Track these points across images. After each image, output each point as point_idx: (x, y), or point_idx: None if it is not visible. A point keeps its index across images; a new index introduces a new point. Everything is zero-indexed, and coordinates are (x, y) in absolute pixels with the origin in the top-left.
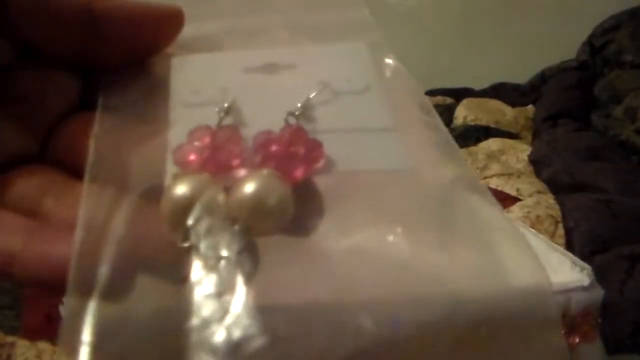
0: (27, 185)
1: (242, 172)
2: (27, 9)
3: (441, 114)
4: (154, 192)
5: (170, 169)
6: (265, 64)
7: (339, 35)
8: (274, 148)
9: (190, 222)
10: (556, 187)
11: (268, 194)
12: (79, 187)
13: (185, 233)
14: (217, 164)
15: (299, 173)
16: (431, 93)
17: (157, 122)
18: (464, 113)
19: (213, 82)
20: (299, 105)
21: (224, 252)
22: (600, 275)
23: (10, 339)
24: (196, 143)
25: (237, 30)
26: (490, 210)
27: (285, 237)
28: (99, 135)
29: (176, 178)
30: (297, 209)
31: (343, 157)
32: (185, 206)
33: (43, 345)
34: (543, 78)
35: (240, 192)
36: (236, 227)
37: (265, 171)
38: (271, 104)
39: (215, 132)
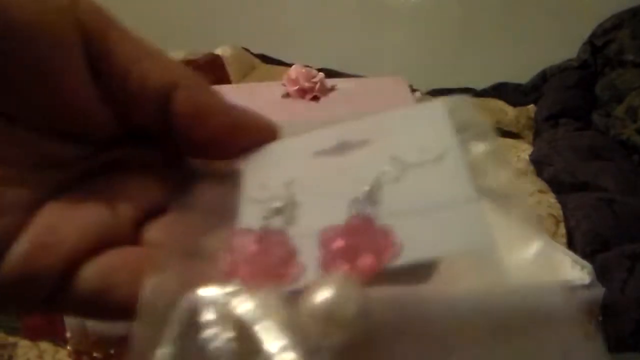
0: (123, 282)
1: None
2: (115, 82)
3: None
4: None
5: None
6: (338, 143)
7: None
8: (339, 244)
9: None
10: (557, 187)
11: (344, 302)
12: None
13: None
14: (266, 274)
15: (367, 266)
16: (432, 93)
17: (227, 218)
18: None
19: (281, 174)
20: (365, 189)
21: None
22: (602, 274)
23: (12, 339)
24: (238, 253)
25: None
26: None
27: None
28: (168, 246)
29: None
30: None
31: (416, 242)
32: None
33: (44, 345)
34: (544, 77)
35: (312, 304)
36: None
37: (338, 277)
38: (337, 191)
39: (260, 237)
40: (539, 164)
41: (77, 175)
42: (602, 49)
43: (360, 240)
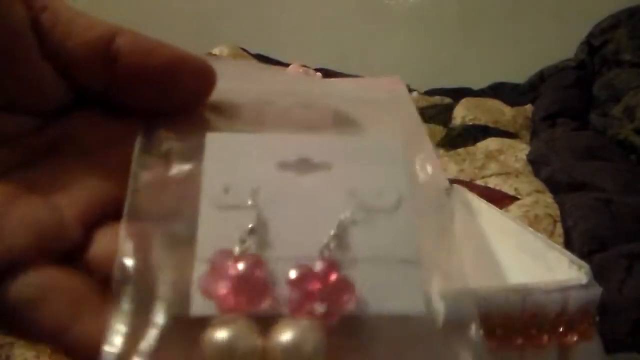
0: (59, 302)
1: (276, 312)
2: (56, 38)
3: (440, 114)
4: (180, 323)
5: (196, 296)
6: (299, 158)
7: (375, 119)
8: (308, 287)
9: None
10: (555, 187)
11: (305, 343)
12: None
13: None
14: (246, 300)
15: (332, 318)
16: (430, 93)
17: (187, 221)
18: (462, 113)
19: (245, 179)
20: (332, 231)
21: None
22: (600, 274)
23: (9, 339)
24: (218, 274)
25: (274, 102)
26: None
27: None
28: (126, 246)
29: (214, 325)
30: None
31: (367, 296)
32: (224, 353)
33: (42, 345)
34: (542, 77)
35: (278, 340)
36: None
37: (304, 321)
38: (306, 223)
39: (238, 259)
40: (536, 163)
41: (26, 152)
42: (599, 49)
43: (326, 288)
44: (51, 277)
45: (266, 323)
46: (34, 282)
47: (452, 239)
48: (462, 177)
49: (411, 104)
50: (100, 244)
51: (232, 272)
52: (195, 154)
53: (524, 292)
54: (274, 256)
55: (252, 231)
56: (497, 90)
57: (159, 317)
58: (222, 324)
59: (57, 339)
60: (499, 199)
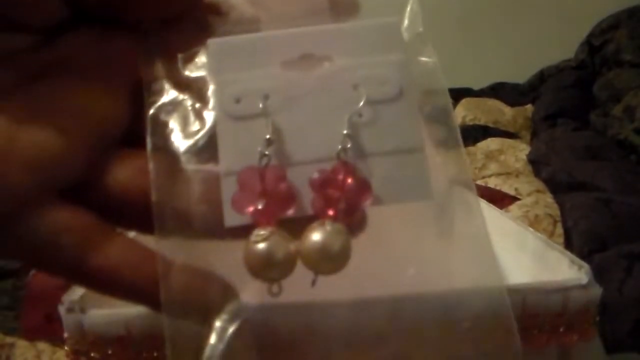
0: (73, 239)
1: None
2: None
3: None
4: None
5: (228, 208)
6: (302, 54)
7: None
8: (328, 192)
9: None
10: (555, 187)
11: (332, 245)
12: (120, 243)
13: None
14: (275, 211)
15: (352, 218)
16: None
17: (204, 132)
18: (462, 113)
19: (254, 86)
20: (344, 132)
21: None
22: (600, 274)
23: (9, 339)
24: (246, 190)
25: None
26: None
27: None
28: (155, 179)
29: (256, 238)
30: None
31: (379, 190)
32: (266, 262)
33: (42, 345)
34: (542, 77)
35: (308, 245)
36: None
37: (329, 225)
38: (313, 123)
39: (263, 174)
40: (536, 163)
41: (22, 73)
42: (599, 49)
43: (346, 191)
44: (62, 215)
45: (294, 225)
46: (46, 225)
47: (453, 127)
48: None
49: None
50: (121, 171)
51: (259, 189)
52: (199, 59)
53: (524, 292)
54: (292, 162)
55: (269, 142)
56: (498, 91)
57: (198, 232)
58: (259, 238)
59: (76, 273)
60: (499, 199)
